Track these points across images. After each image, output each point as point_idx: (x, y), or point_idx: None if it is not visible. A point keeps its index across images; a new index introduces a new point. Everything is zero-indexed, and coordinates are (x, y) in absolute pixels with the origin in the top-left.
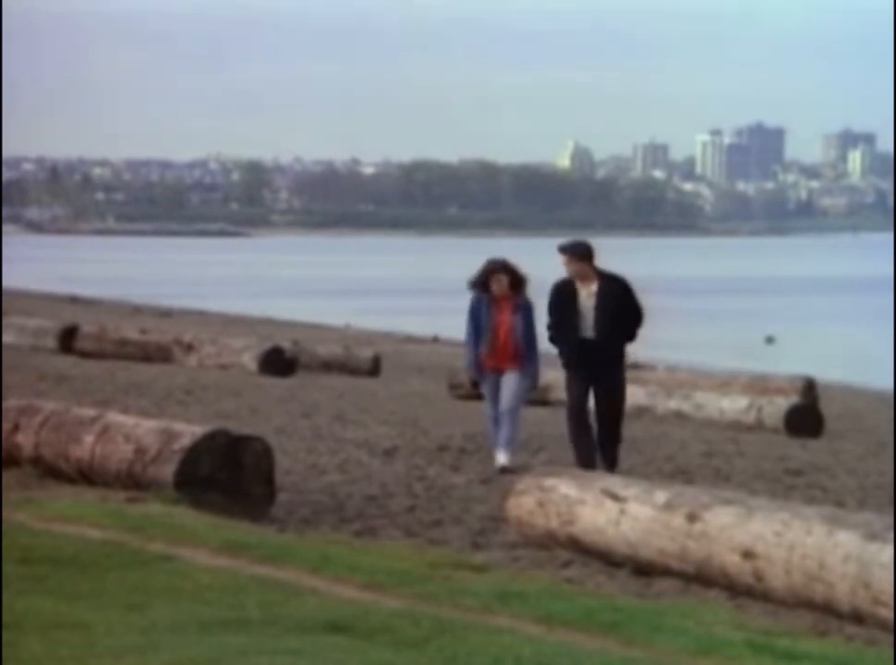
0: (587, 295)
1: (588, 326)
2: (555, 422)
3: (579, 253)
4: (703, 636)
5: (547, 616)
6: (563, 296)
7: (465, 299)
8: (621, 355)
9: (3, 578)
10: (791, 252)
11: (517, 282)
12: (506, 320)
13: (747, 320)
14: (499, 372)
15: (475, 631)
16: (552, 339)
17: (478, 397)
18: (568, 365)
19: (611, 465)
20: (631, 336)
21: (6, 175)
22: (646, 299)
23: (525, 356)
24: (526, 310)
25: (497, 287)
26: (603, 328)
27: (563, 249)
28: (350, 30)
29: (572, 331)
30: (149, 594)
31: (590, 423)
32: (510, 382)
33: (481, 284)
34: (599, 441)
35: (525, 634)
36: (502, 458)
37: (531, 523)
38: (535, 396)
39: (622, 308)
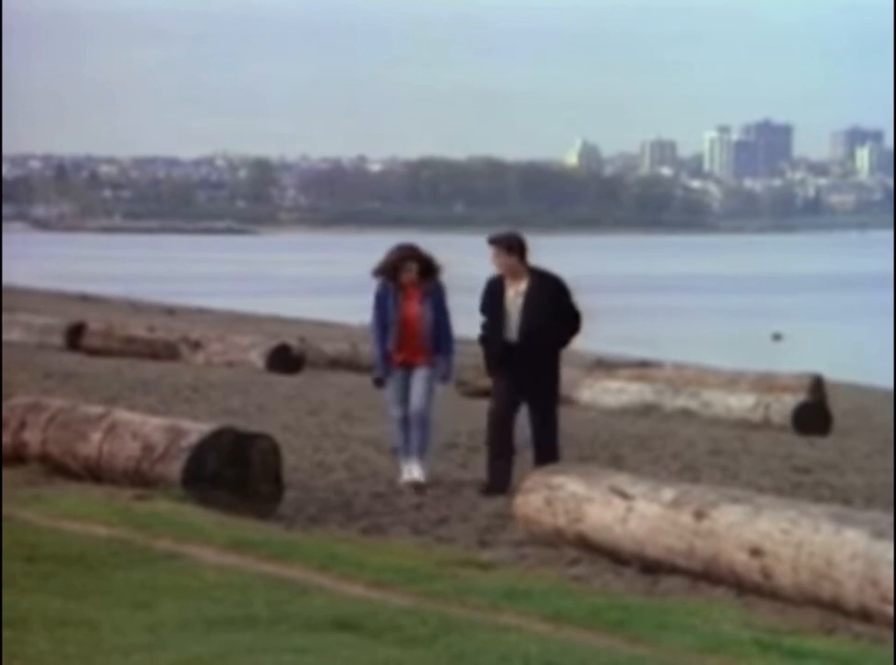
0: (516, 294)
1: (515, 328)
2: (563, 420)
3: (507, 245)
4: (710, 634)
5: (554, 614)
6: (490, 294)
7: (471, 297)
8: (551, 362)
9: (10, 576)
10: (798, 249)
11: (428, 269)
12: (414, 309)
13: (754, 318)
14: (409, 367)
15: (482, 629)
16: (482, 340)
17: (486, 394)
18: (489, 371)
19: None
20: (563, 342)
21: (13, 172)
22: (653, 297)
23: (434, 348)
24: (437, 297)
25: (406, 276)
26: (529, 331)
27: (492, 241)
28: (357, 27)
29: (496, 333)
30: (155, 592)
31: (512, 441)
32: (420, 381)
33: (389, 272)
34: (535, 447)
35: (532, 632)
36: (414, 472)
37: (538, 520)
38: None
39: (553, 309)
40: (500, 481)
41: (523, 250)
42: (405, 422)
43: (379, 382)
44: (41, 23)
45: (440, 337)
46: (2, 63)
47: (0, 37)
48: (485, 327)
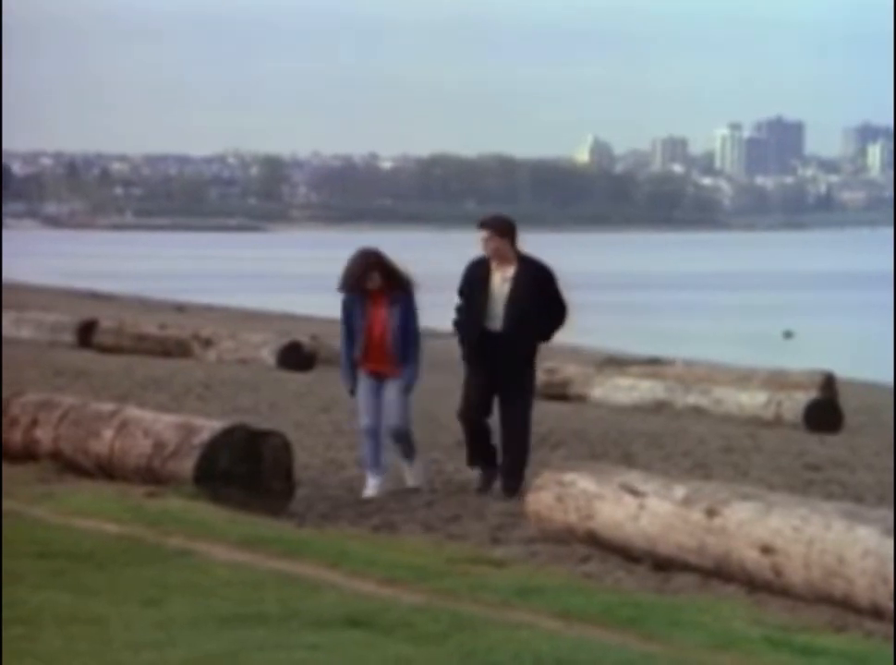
0: (503, 280)
1: (498, 316)
2: (574, 417)
3: (499, 229)
4: (721, 632)
5: (565, 611)
6: (474, 277)
7: None
8: (531, 355)
9: (20, 573)
10: (809, 247)
11: (393, 276)
12: (381, 316)
13: (766, 315)
14: (379, 376)
15: (494, 626)
16: (456, 324)
17: None
18: (466, 359)
19: (512, 490)
20: (546, 335)
21: (24, 170)
22: (664, 294)
23: (401, 357)
24: (405, 304)
25: (371, 284)
26: (514, 320)
27: (484, 224)
28: (368, 25)
29: (475, 319)
30: (167, 589)
31: (488, 429)
32: (395, 395)
33: (352, 283)
34: (501, 462)
35: (544, 630)
36: (410, 480)
37: (550, 518)
38: (554, 391)
39: (540, 299)
40: (489, 465)
41: (514, 235)
42: (373, 433)
43: (353, 393)
44: (49, 21)
45: (405, 346)
46: (1, 60)
47: (0, 35)
48: (463, 311)
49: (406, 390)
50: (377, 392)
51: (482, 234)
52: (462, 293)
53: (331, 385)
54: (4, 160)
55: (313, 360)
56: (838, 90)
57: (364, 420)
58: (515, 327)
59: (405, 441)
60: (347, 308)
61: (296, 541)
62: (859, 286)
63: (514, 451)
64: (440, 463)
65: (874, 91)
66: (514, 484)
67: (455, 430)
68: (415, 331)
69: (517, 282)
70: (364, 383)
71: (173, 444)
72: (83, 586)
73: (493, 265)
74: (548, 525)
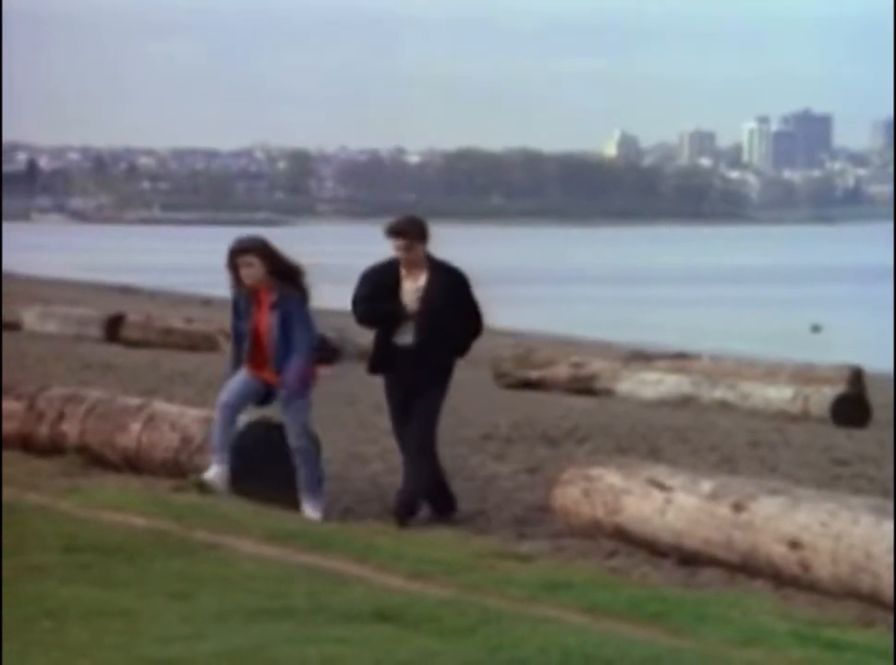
0: (414, 289)
1: (407, 329)
2: (600, 412)
3: (417, 234)
4: (748, 627)
5: (592, 606)
6: (380, 283)
7: (510, 288)
8: (446, 370)
9: (48, 567)
10: (837, 240)
11: (279, 269)
12: (264, 319)
13: (793, 309)
14: (266, 384)
15: (520, 620)
16: (376, 346)
17: (524, 386)
18: (373, 371)
19: (403, 518)
20: (463, 349)
21: (51, 164)
22: (691, 288)
23: (277, 367)
24: (285, 305)
25: (247, 275)
26: (428, 334)
27: (397, 232)
28: (394, 19)
29: (383, 332)
30: (194, 582)
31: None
32: (292, 412)
33: (230, 269)
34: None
35: (570, 624)
36: (307, 510)
37: (577, 512)
38: (580, 386)
39: (455, 310)
40: (430, 484)
41: (426, 238)
42: (230, 409)
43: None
44: (76, 15)
45: (284, 355)
46: (1, 56)
47: None
48: (364, 320)
49: (287, 401)
50: (254, 389)
51: (397, 243)
52: (369, 300)
53: (355, 379)
54: (31, 154)
55: (338, 354)
56: (866, 83)
57: (223, 396)
58: (431, 341)
59: (309, 464)
60: (236, 307)
61: (322, 535)
62: (887, 280)
63: (420, 478)
64: (464, 457)
65: None
66: (409, 512)
67: (481, 424)
68: (298, 338)
69: (430, 291)
70: (246, 373)
71: (199, 438)
72: (110, 579)
73: (403, 272)
74: (574, 520)
